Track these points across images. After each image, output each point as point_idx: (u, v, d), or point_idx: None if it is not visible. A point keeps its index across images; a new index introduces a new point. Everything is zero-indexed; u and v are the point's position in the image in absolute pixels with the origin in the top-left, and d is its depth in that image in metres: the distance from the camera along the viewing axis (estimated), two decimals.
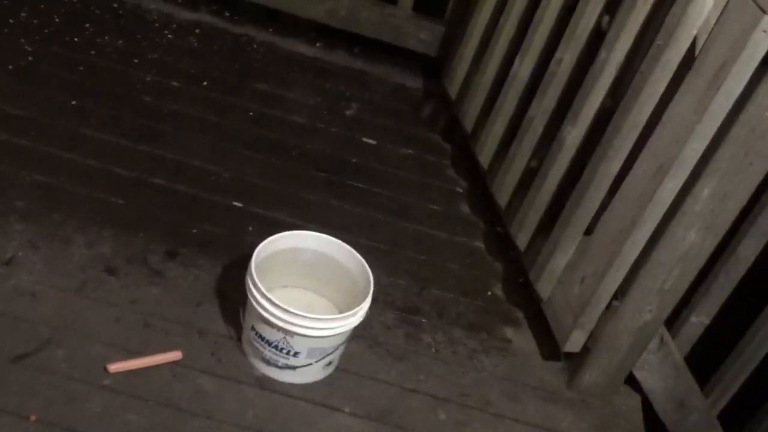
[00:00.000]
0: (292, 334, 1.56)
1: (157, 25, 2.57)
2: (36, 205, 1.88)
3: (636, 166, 1.61)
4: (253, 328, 1.63)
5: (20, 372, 1.57)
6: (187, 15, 2.64)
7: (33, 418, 1.49)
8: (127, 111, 2.21)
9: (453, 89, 2.43)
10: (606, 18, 1.81)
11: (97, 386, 1.58)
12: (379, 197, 2.20)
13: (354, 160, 2.30)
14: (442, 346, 1.84)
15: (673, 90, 1.54)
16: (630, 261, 1.64)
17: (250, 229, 1.97)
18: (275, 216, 2.03)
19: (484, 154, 2.18)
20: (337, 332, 1.58)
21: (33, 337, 1.63)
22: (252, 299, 1.58)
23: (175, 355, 1.66)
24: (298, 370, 1.64)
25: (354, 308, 1.60)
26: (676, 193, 1.54)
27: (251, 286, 1.59)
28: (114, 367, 1.61)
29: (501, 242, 2.13)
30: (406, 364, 1.78)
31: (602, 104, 1.77)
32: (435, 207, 2.23)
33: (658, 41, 1.57)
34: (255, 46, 2.62)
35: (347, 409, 1.66)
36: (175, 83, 2.36)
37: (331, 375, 1.71)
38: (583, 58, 1.85)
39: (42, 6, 2.48)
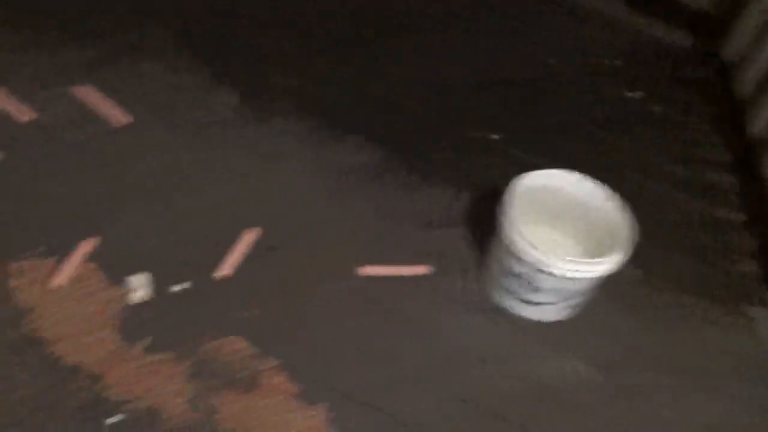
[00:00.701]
0: (540, 270, 1.56)
1: None
2: (305, 105, 1.97)
3: None
4: (498, 259, 1.64)
5: (278, 260, 1.67)
6: None
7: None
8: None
9: (730, 50, 2.31)
10: None
11: (344, 285, 1.67)
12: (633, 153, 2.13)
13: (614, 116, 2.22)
14: (685, 311, 1.78)
15: None
16: None
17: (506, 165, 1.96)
18: (531, 158, 2.00)
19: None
20: (586, 276, 1.57)
21: (292, 230, 1.73)
22: (502, 230, 1.59)
23: (422, 270, 1.71)
24: (537, 306, 1.65)
25: (605, 256, 1.57)
26: None
27: (503, 218, 1.60)
28: (364, 270, 1.69)
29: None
30: (644, 322, 1.74)
31: None
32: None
33: None
34: None
35: (577, 354, 1.66)
36: None
37: (568, 318, 1.70)
38: None
39: None
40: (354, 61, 2.13)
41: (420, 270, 1.71)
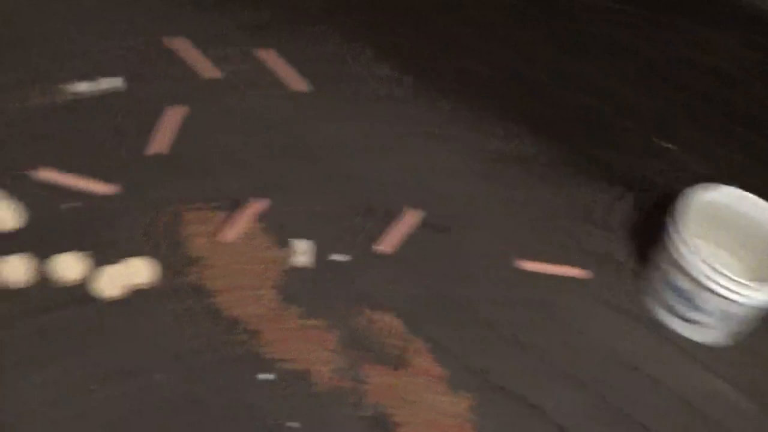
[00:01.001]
0: (705, 288, 1.51)
1: None
2: (467, 89, 1.96)
3: None
4: (661, 271, 1.60)
5: (435, 241, 1.69)
6: None
7: None
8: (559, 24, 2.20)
9: None
10: None
11: (499, 275, 1.67)
12: None
13: None
14: None
15: None
16: None
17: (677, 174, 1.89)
18: (706, 170, 1.91)
19: None
20: (754, 302, 1.51)
21: (450, 213, 1.74)
22: (670, 241, 1.55)
23: (580, 272, 1.69)
24: (696, 325, 1.60)
25: None
26: None
27: (671, 228, 1.56)
28: (521, 263, 1.68)
29: None
30: None
31: None
32: None
33: None
34: None
35: (731, 381, 1.60)
36: None
37: (727, 342, 1.64)
38: None
39: None
40: (531, 50, 2.10)
41: (578, 272, 1.70)
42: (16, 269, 1.45)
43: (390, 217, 1.70)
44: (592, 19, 2.22)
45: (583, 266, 1.71)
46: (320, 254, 1.63)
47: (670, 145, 1.96)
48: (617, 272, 1.72)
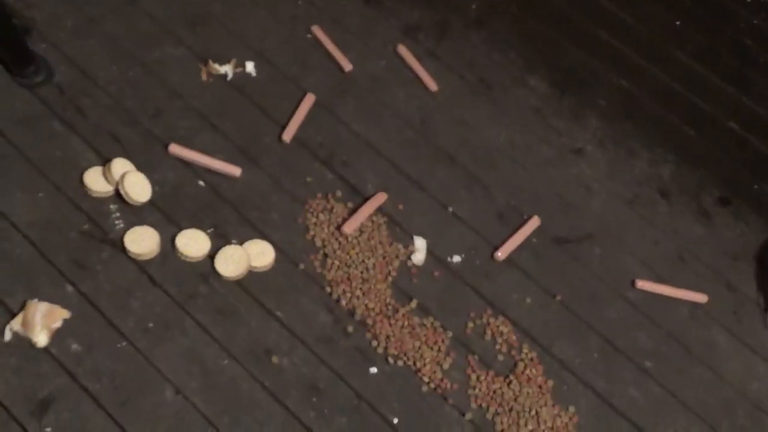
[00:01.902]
0: None
1: None
2: (615, 108, 1.93)
3: None
4: None
5: (558, 254, 1.67)
6: None
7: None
8: (724, 48, 2.14)
9: None
10: None
11: (619, 295, 1.65)
12: None
13: None
14: None
15: None
16: None
17: None
18: None
19: None
20: None
21: (577, 227, 1.72)
22: None
23: (699, 297, 1.65)
24: None
25: None
26: None
27: None
28: (642, 284, 1.64)
29: None
30: None
31: None
32: None
33: None
34: None
35: None
36: None
37: None
38: None
39: None
40: (690, 74, 2.05)
41: (698, 297, 1.65)
42: (148, 241, 1.50)
43: (513, 224, 1.69)
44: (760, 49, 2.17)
45: (709, 293, 1.66)
46: (440, 254, 1.62)
47: None
48: (740, 303, 1.68)
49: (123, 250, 1.49)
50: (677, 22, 2.14)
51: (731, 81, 2.05)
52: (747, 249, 1.77)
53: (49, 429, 1.32)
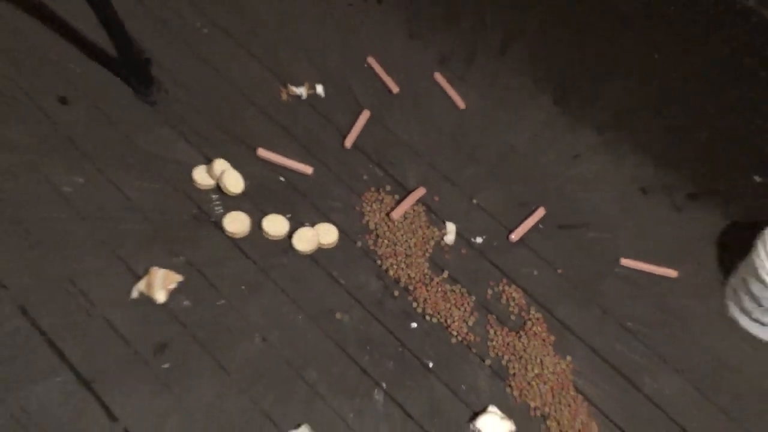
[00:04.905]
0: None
1: None
2: (607, 122, 2.04)
3: None
4: (743, 279, 1.73)
5: (560, 237, 1.82)
6: None
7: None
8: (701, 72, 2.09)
9: None
10: None
11: (609, 270, 1.81)
12: None
13: None
14: None
15: None
16: None
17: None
18: None
19: None
20: None
21: (576, 216, 1.87)
22: (756, 257, 1.69)
23: (672, 273, 1.81)
24: (765, 327, 1.74)
25: None
26: None
27: (760, 247, 1.69)
28: (626, 262, 1.80)
29: None
30: None
31: None
32: None
33: None
34: None
35: None
36: None
37: None
38: None
39: None
40: (662, 94, 2.06)
41: (671, 273, 1.81)
42: (241, 223, 1.68)
43: (525, 213, 1.85)
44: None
45: (679, 270, 1.81)
46: (466, 236, 1.79)
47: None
48: (707, 279, 1.83)
49: (222, 229, 1.67)
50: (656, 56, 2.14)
51: (705, 96, 2.03)
52: (710, 235, 1.93)
53: (167, 365, 1.49)
